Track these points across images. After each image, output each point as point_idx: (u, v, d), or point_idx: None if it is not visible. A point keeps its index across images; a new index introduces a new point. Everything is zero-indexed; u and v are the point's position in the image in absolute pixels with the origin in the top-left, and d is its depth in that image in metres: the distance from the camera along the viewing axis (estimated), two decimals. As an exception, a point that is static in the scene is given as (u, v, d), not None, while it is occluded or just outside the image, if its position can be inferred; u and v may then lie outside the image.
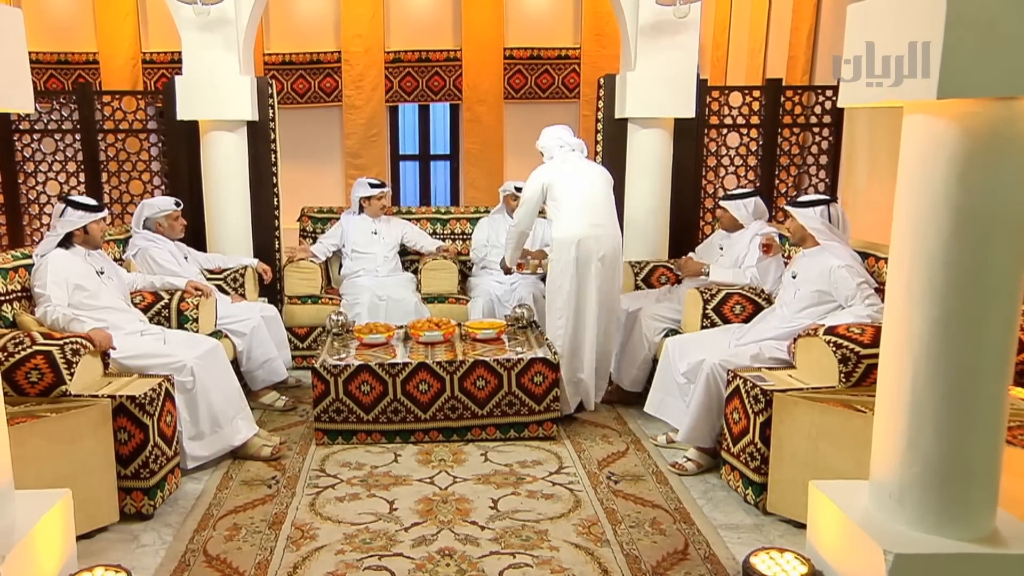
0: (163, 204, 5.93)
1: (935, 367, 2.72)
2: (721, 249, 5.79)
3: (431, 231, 7.40)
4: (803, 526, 3.53)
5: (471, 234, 7.30)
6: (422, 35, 9.32)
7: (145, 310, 5.14)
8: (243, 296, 6.15)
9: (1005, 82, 2.43)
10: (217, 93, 6.34)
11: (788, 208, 4.75)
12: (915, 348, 2.76)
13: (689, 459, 4.62)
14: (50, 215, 6.87)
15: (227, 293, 6.06)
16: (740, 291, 5.23)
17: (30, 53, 3.04)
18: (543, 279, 6.90)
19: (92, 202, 4.84)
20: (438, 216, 7.50)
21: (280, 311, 6.30)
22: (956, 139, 2.58)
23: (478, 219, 7.32)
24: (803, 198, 4.74)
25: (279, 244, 6.92)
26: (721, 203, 5.81)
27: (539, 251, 6.73)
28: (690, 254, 6.11)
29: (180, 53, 6.38)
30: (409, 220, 7.33)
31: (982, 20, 2.39)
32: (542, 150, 5.74)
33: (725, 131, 7.16)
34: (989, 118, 2.53)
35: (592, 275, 5.29)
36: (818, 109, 7.21)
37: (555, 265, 5.37)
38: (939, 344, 2.71)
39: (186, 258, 5.94)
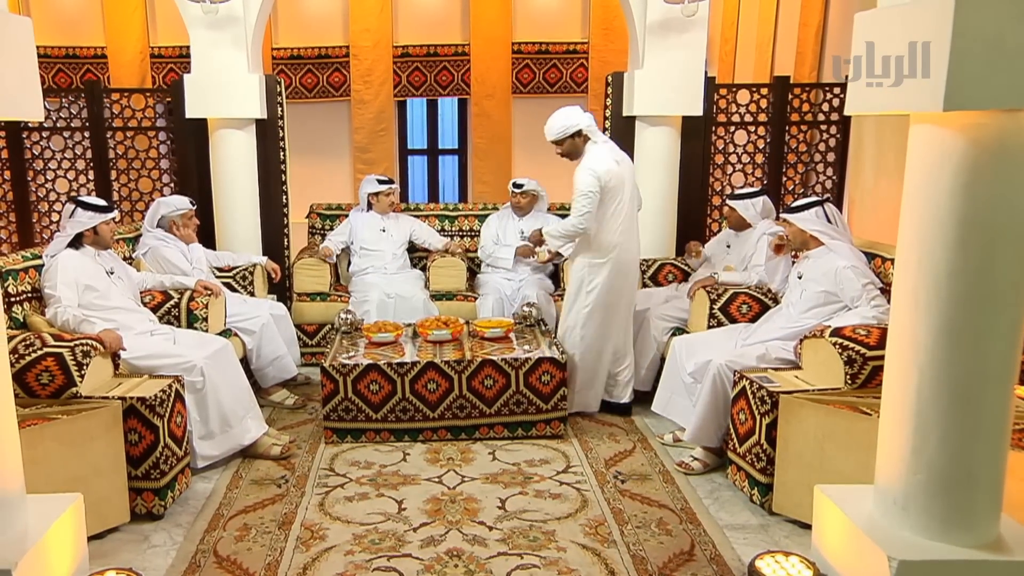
0: (179, 203, 5.94)
1: (940, 376, 2.74)
2: (728, 247, 5.80)
3: (439, 228, 7.40)
4: (809, 526, 3.57)
5: (479, 231, 7.31)
6: (430, 29, 9.32)
7: (155, 309, 5.16)
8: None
9: (1012, 94, 2.44)
10: (226, 91, 6.37)
11: (785, 217, 4.77)
12: (920, 357, 2.77)
13: (696, 458, 4.64)
14: (59, 213, 6.92)
15: (236, 291, 6.09)
16: (747, 290, 5.24)
17: (38, 47, 3.06)
18: (552, 276, 6.93)
19: (101, 203, 4.86)
20: (446, 213, 7.50)
21: (289, 308, 6.33)
22: (962, 150, 2.59)
23: (486, 216, 7.32)
24: (796, 203, 4.77)
25: (288, 242, 6.96)
26: (729, 202, 5.81)
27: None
28: (703, 252, 6.11)
29: (188, 47, 6.41)
30: (417, 217, 7.33)
31: (989, 32, 2.40)
32: (573, 129, 5.16)
33: (733, 128, 7.16)
34: (996, 129, 2.54)
35: (629, 282, 5.37)
36: (826, 107, 7.20)
37: (591, 269, 5.31)
38: (944, 353, 2.72)
39: (192, 265, 5.92)
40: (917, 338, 2.78)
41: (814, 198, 4.80)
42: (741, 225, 5.72)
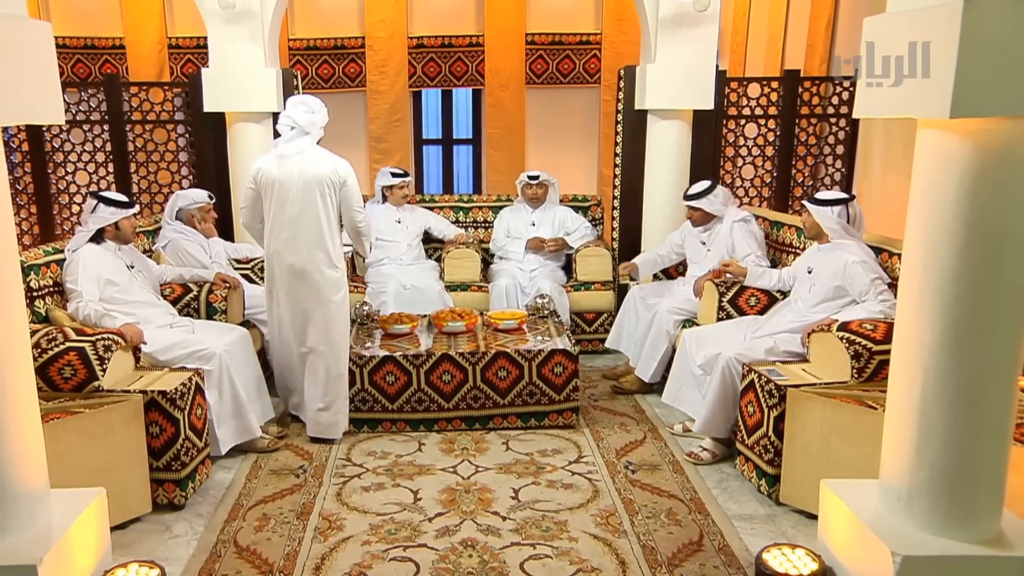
0: (197, 196, 6.01)
1: (944, 376, 2.80)
2: (704, 244, 5.82)
3: (454, 219, 7.48)
4: (815, 517, 3.65)
5: (493, 222, 7.37)
6: (445, 21, 9.33)
7: (174, 302, 5.24)
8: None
9: (1018, 101, 2.49)
10: (243, 85, 6.43)
11: (806, 204, 4.80)
12: (925, 357, 2.83)
13: (705, 448, 4.71)
14: (79, 205, 7.01)
15: (254, 282, 6.16)
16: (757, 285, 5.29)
17: (56, 38, 3.09)
18: (564, 268, 7.00)
19: (123, 198, 4.92)
20: (460, 204, 7.57)
21: (306, 299, 6.38)
22: (968, 156, 2.64)
23: (500, 207, 7.39)
24: (822, 195, 4.78)
25: (304, 234, 7.01)
26: (690, 203, 5.74)
27: (560, 239, 6.86)
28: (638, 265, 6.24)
29: (206, 38, 6.47)
30: (432, 208, 7.40)
31: (995, 40, 2.44)
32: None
33: (743, 122, 7.18)
34: (1001, 136, 2.59)
35: (289, 301, 5.04)
36: (835, 100, 7.21)
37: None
38: (948, 354, 2.78)
39: (212, 259, 5.97)
40: (922, 339, 2.83)
41: (843, 195, 4.78)
42: (706, 220, 5.76)
